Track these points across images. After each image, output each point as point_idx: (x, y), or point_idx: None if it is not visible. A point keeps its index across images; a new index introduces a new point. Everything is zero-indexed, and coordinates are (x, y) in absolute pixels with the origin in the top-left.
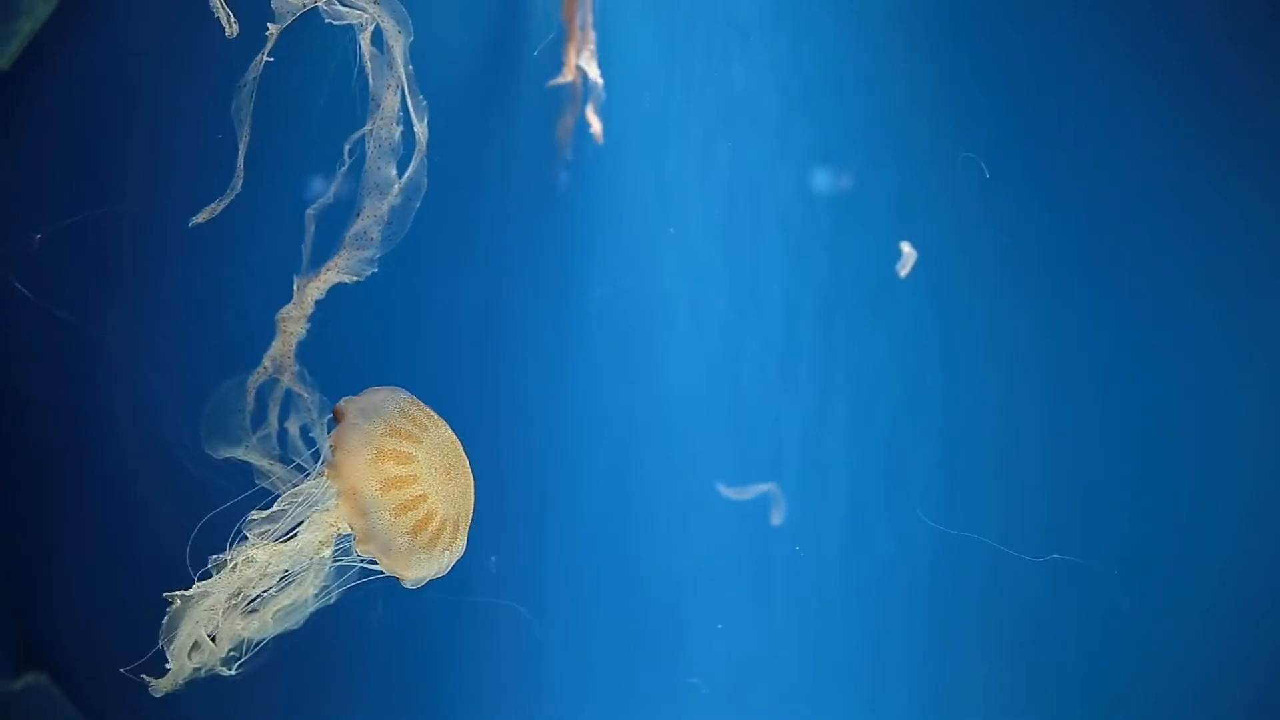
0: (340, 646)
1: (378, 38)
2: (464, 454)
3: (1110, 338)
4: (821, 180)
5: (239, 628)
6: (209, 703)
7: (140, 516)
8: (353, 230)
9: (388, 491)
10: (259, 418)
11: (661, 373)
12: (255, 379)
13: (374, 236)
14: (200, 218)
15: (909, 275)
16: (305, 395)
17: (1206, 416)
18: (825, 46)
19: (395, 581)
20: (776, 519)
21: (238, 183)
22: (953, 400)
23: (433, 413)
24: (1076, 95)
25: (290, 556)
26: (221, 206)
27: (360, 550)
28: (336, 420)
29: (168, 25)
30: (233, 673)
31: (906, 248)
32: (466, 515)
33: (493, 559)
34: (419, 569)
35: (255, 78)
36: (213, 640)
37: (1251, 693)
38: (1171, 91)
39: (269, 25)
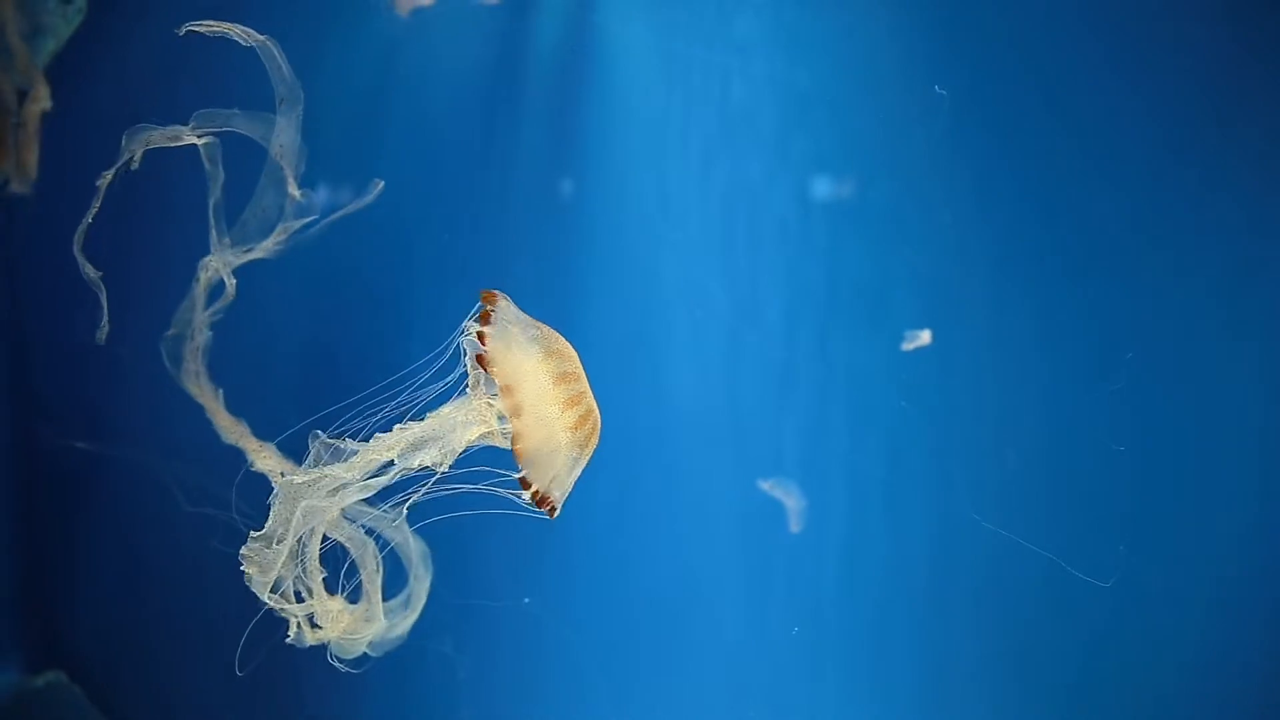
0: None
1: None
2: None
3: (1107, 342)
4: (818, 191)
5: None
6: (214, 695)
7: (159, 521)
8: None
9: (559, 384)
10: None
11: (662, 379)
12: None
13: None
14: (100, 336)
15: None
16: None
17: (1206, 418)
18: (821, 62)
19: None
20: (795, 527)
21: (103, 330)
22: (949, 406)
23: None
24: (1071, 104)
25: (426, 435)
26: (105, 330)
27: (517, 443)
28: (485, 303)
29: (183, 45)
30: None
31: (925, 335)
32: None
33: (526, 600)
34: (561, 468)
35: (86, 224)
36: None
37: (1252, 694)
38: (1170, 94)
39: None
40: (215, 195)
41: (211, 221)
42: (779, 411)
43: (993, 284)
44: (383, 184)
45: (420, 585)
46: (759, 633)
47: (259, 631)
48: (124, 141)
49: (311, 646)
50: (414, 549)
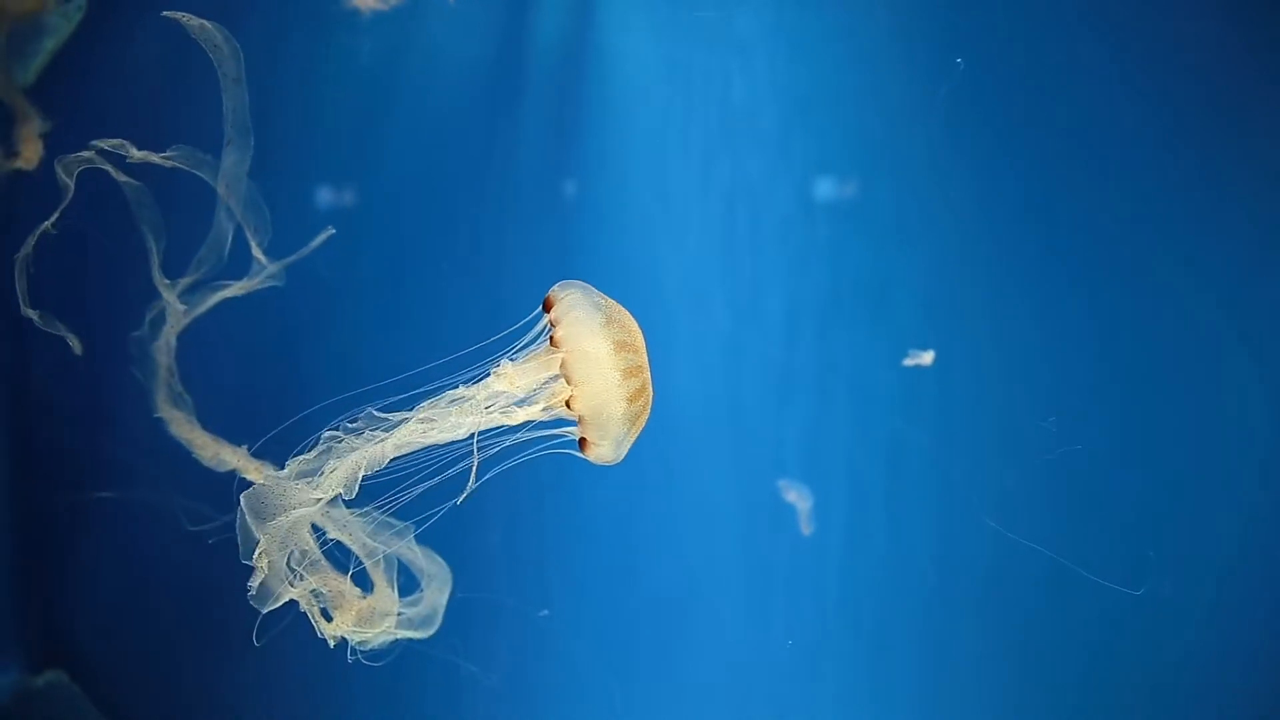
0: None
1: None
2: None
3: (1108, 340)
4: (819, 190)
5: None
6: (215, 694)
7: (158, 521)
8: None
9: (619, 353)
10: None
11: (663, 379)
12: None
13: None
14: (76, 348)
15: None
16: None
17: (1207, 417)
18: (822, 62)
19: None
20: (806, 529)
21: (76, 345)
22: (951, 405)
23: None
24: (1073, 104)
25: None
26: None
27: (575, 407)
28: (547, 309)
29: (179, 46)
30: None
31: (928, 356)
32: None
33: (544, 612)
34: (617, 441)
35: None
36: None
37: (1255, 696)
38: (1171, 95)
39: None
40: (150, 238)
41: (153, 262)
42: (780, 413)
43: (995, 284)
44: (333, 230)
45: (436, 594)
46: (761, 635)
47: (260, 629)
48: (58, 172)
49: (311, 645)
50: (422, 558)
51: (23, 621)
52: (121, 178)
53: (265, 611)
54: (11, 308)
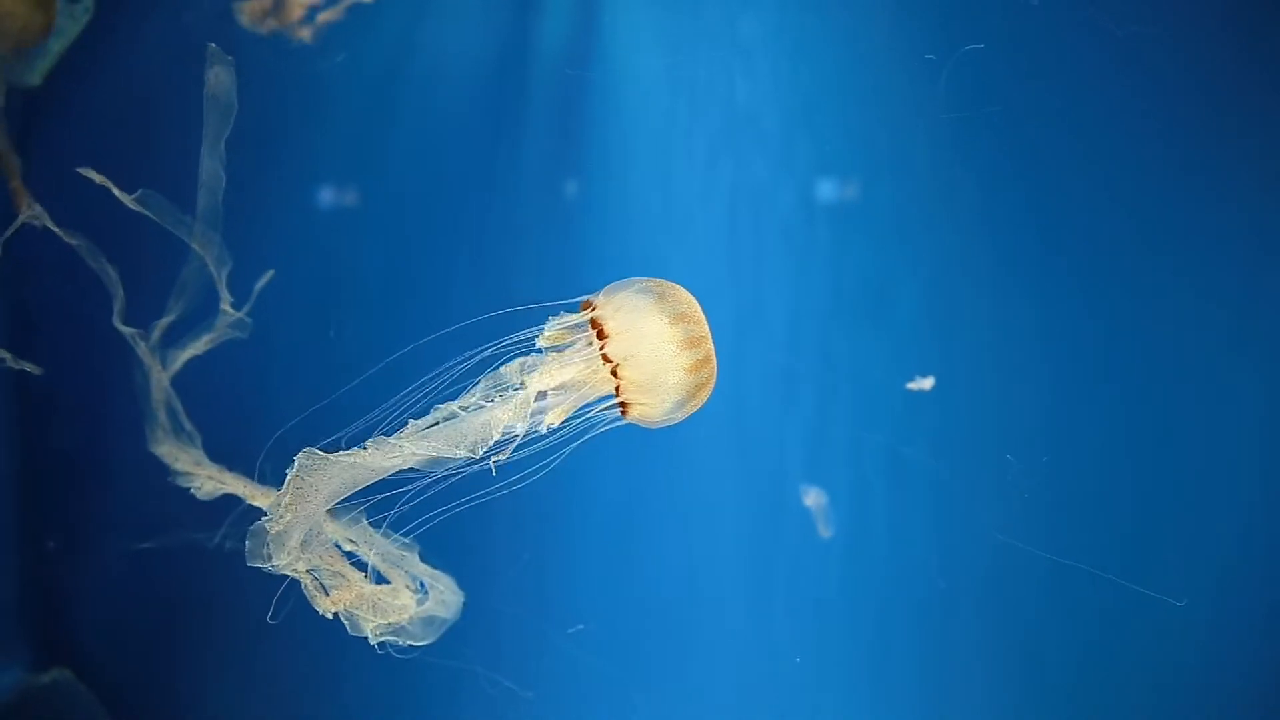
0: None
1: None
2: None
3: (1109, 344)
4: (822, 192)
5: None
6: (220, 692)
7: (162, 519)
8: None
9: (677, 324)
10: None
11: None
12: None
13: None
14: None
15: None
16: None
17: (1208, 418)
18: (825, 64)
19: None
20: (825, 531)
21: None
22: (952, 408)
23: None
24: (1076, 106)
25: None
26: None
27: (627, 378)
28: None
29: (185, 47)
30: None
31: (928, 382)
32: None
33: (580, 626)
34: (671, 408)
35: None
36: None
37: (1254, 696)
38: (1172, 95)
39: None
40: (108, 285)
41: (116, 308)
42: (783, 416)
43: (997, 284)
44: (273, 272)
45: (442, 607)
46: (767, 641)
47: (265, 626)
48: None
49: (315, 644)
50: (429, 574)
51: (28, 619)
52: (72, 241)
53: (254, 550)
54: (19, 312)
